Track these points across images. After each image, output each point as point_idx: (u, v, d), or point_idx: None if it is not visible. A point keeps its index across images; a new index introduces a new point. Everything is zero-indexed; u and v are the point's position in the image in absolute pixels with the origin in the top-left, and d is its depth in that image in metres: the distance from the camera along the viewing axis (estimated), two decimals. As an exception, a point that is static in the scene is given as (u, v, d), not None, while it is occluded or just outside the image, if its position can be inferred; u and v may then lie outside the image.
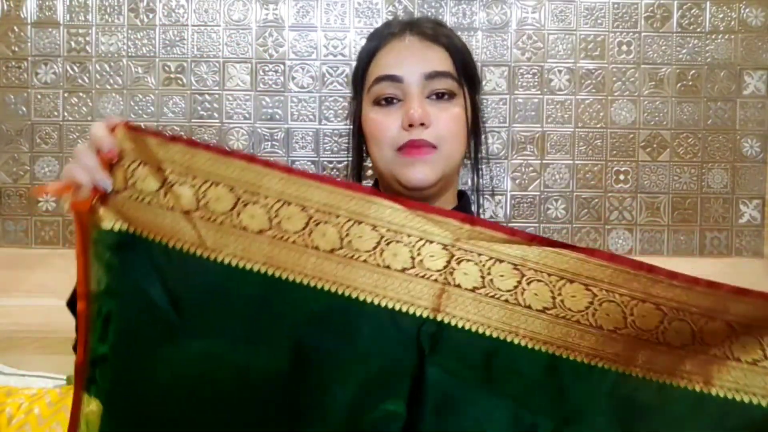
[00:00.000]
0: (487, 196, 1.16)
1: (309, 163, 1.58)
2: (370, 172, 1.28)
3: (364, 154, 1.08)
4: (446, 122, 0.94)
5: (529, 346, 0.74)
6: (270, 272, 0.75)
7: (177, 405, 0.77)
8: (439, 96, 0.95)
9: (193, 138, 0.82)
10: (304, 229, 0.75)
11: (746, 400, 0.73)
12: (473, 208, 1.12)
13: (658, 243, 1.62)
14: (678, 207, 1.62)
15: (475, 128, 1.03)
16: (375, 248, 0.75)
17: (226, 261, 0.75)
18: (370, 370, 0.74)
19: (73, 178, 0.78)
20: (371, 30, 1.15)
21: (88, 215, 0.77)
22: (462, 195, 1.10)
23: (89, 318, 0.77)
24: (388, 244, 0.74)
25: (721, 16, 1.61)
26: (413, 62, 0.95)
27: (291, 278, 0.75)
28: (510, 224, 1.57)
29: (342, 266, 0.74)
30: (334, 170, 1.57)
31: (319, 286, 0.74)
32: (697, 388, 0.73)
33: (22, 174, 1.58)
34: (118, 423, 0.78)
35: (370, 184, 1.15)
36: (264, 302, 0.75)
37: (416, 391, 0.73)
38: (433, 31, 0.99)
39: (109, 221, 0.77)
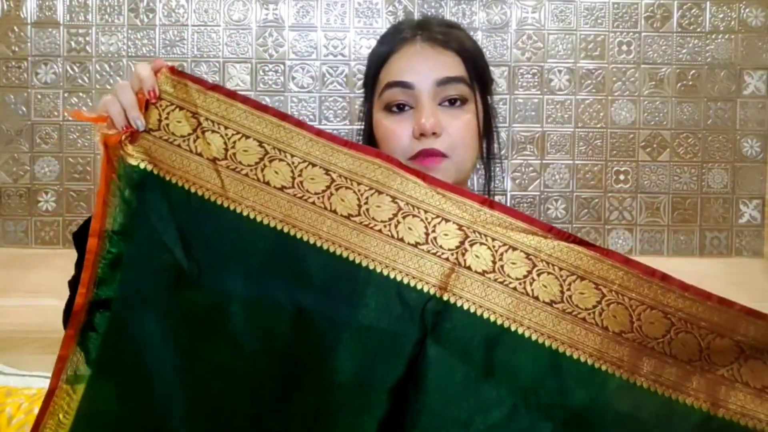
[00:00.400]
0: (497, 197, 1.14)
1: (309, 163, 1.58)
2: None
3: None
4: (458, 130, 0.93)
5: (533, 338, 0.73)
6: (285, 230, 0.76)
7: (175, 356, 0.76)
8: (452, 102, 0.94)
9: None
10: (324, 191, 0.76)
11: (751, 425, 0.72)
12: None
13: (658, 243, 1.62)
14: (678, 207, 1.62)
15: (487, 130, 1.02)
16: (391, 219, 0.75)
17: (245, 213, 0.76)
18: (371, 341, 0.73)
19: (108, 111, 0.79)
20: (371, 30, 1.14)
21: (115, 149, 0.78)
22: None
23: (98, 257, 0.78)
24: (404, 217, 0.75)
25: (721, 16, 1.61)
26: (425, 69, 0.94)
27: (305, 238, 0.75)
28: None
29: (356, 233, 0.75)
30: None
31: (331, 249, 0.75)
32: (704, 408, 0.73)
33: (22, 174, 1.58)
34: (114, 371, 0.77)
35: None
36: (274, 259, 0.75)
37: (414, 368, 0.73)
38: (445, 36, 0.98)
39: (135, 159, 0.78)
